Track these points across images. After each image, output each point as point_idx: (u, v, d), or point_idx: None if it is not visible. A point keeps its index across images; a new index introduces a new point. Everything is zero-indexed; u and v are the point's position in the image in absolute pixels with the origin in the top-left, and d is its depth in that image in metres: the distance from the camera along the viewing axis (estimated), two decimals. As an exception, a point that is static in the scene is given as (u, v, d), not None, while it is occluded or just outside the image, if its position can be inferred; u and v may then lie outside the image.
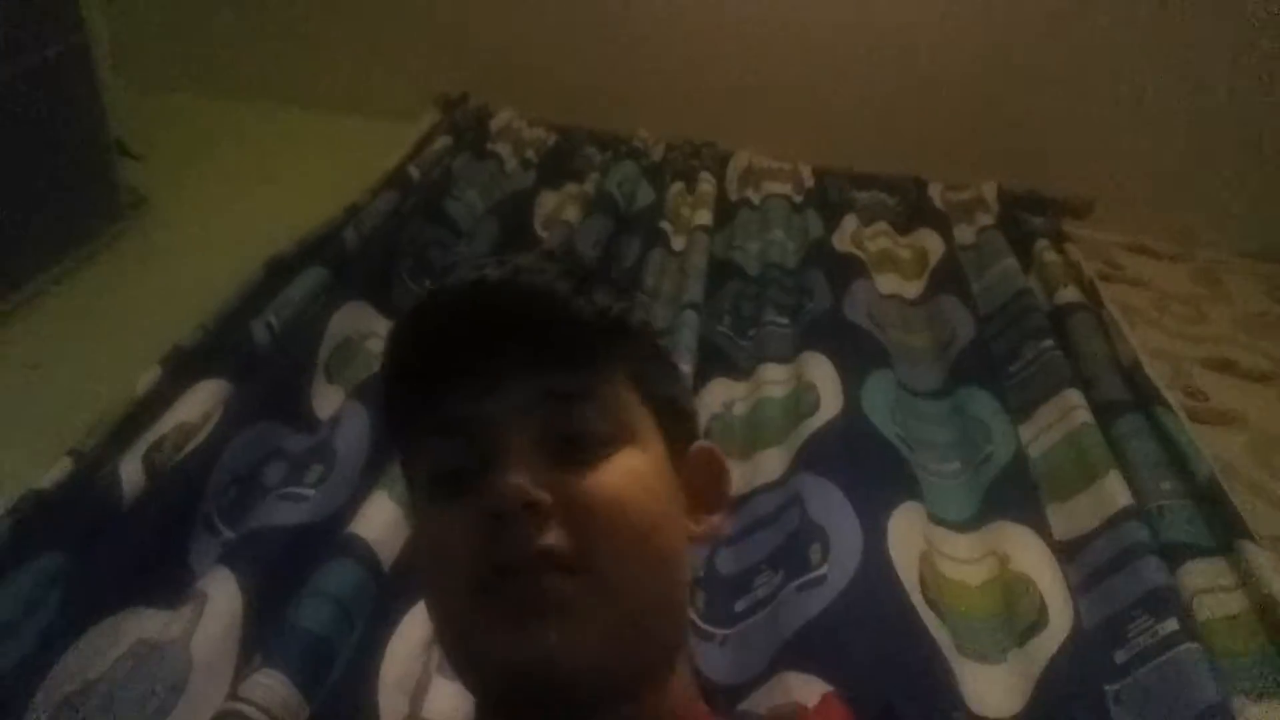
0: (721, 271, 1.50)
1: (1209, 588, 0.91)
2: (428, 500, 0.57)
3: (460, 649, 0.55)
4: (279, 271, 1.30)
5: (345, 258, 1.36)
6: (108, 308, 1.30)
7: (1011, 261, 1.52)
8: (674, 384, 0.68)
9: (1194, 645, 0.82)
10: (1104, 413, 1.17)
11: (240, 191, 1.59)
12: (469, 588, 0.52)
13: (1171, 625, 0.84)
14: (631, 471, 0.56)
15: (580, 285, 0.58)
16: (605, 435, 0.56)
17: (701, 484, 0.65)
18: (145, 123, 1.56)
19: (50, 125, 1.34)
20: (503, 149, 1.78)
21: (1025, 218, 1.69)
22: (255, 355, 1.15)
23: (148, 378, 1.07)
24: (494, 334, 0.55)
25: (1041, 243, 1.59)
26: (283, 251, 1.33)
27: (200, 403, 1.06)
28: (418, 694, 0.82)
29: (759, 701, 0.81)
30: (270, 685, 0.76)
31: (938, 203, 1.76)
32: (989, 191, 1.74)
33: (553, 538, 0.51)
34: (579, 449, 0.55)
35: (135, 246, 1.43)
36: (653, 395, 0.61)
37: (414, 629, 0.86)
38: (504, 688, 0.53)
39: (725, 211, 1.69)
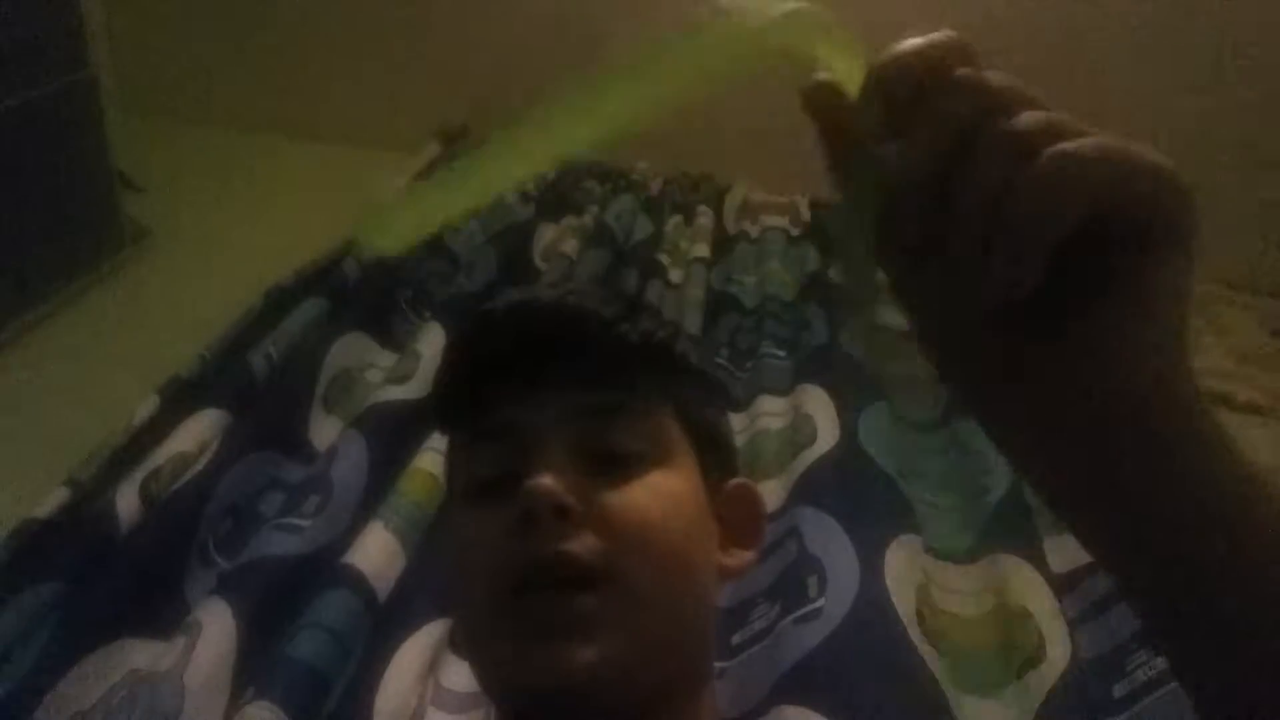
0: (719, 304, 1.51)
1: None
2: (463, 505, 0.59)
3: (485, 660, 0.56)
4: (278, 302, 1.31)
5: (344, 288, 1.37)
6: (107, 338, 1.30)
7: (1007, 294, 1.53)
8: (716, 416, 0.69)
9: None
10: (1100, 445, 1.17)
11: (242, 223, 1.60)
12: (496, 591, 0.53)
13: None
14: (663, 490, 0.57)
15: (627, 311, 0.61)
16: (640, 453, 0.57)
17: (736, 519, 0.65)
18: (147, 155, 1.58)
19: (53, 157, 1.35)
20: (502, 182, 1.79)
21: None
22: (253, 385, 1.16)
23: (145, 407, 1.07)
24: (541, 348, 0.58)
25: (1037, 276, 1.60)
26: (282, 282, 1.34)
27: (197, 432, 1.06)
28: (412, 726, 0.81)
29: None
30: (264, 717, 0.76)
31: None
32: (984, 225, 1.75)
33: (579, 545, 0.52)
34: (613, 464, 0.56)
35: (136, 277, 1.44)
36: (693, 424, 0.62)
37: (410, 660, 0.86)
38: (526, 703, 0.53)
39: (723, 244, 1.70)
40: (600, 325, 0.59)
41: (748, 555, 0.65)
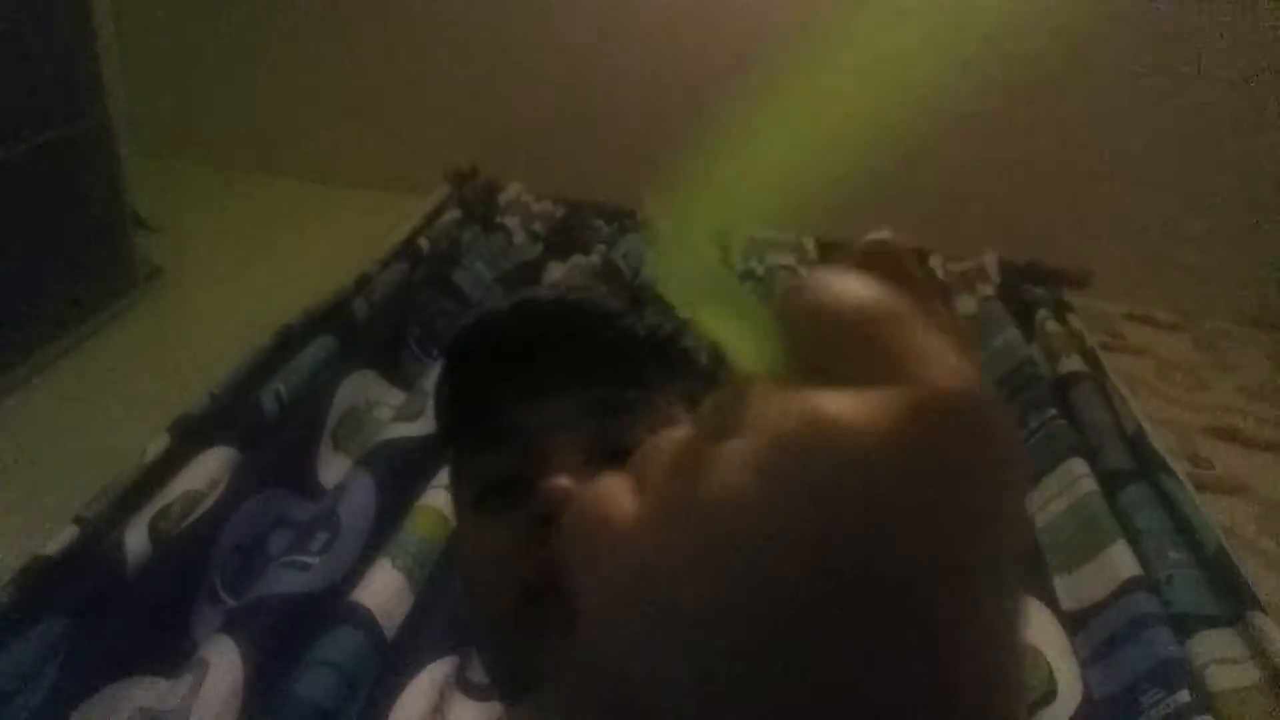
0: (726, 341, 1.51)
1: (1220, 659, 0.90)
2: (474, 511, 0.57)
3: (501, 661, 0.55)
4: (288, 341, 1.32)
5: (354, 327, 1.38)
6: (119, 376, 1.31)
7: (1014, 331, 1.53)
8: None
9: (1207, 718, 0.81)
10: (1109, 482, 1.17)
11: (254, 262, 1.62)
12: (511, 594, 0.51)
13: (1184, 697, 0.83)
14: None
15: (631, 304, 0.59)
16: None
17: None
18: (161, 195, 1.60)
19: (68, 197, 1.37)
20: (511, 222, 1.81)
21: (1026, 288, 1.71)
22: (263, 423, 1.16)
23: (155, 445, 1.08)
24: (545, 348, 0.56)
25: (1043, 313, 1.60)
26: (292, 321, 1.35)
27: (207, 470, 1.06)
28: (420, 765, 0.81)
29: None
30: (270, 756, 0.75)
31: (939, 273, 1.78)
32: (990, 262, 1.76)
33: None
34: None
35: (149, 316, 1.45)
36: None
37: (417, 699, 0.85)
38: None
39: (730, 282, 1.70)
40: (605, 321, 0.58)
41: None
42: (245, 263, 1.62)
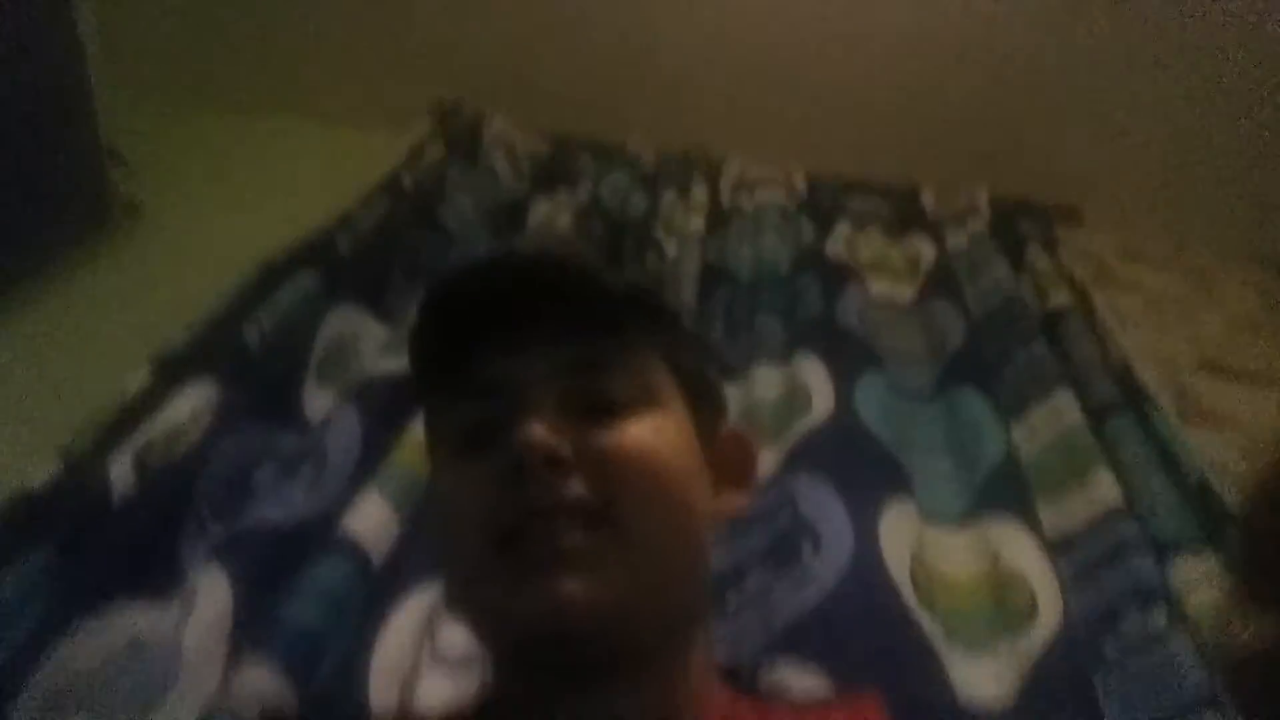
0: (714, 277, 1.51)
1: (1199, 580, 0.91)
2: (448, 459, 0.58)
3: (476, 602, 0.55)
4: (271, 275, 1.30)
5: (338, 262, 1.37)
6: (99, 313, 1.30)
7: (1003, 267, 1.53)
8: (704, 363, 0.68)
9: (1182, 636, 0.82)
10: (1095, 414, 1.17)
11: (234, 199, 1.60)
12: (487, 539, 0.52)
13: (1160, 618, 0.85)
14: (655, 430, 0.56)
15: (612, 259, 0.59)
16: (630, 400, 0.56)
17: (729, 464, 0.64)
18: (138, 131, 1.57)
19: (42, 133, 1.35)
20: (496, 157, 1.79)
21: (1017, 223, 1.70)
22: (246, 357, 1.15)
23: (137, 379, 1.07)
24: (524, 300, 0.56)
25: (1033, 248, 1.60)
26: (274, 256, 1.33)
27: (190, 404, 1.05)
28: (409, 685, 0.81)
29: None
30: (260, 679, 0.76)
31: (930, 209, 1.76)
32: (980, 198, 1.75)
33: (574, 491, 0.51)
34: (603, 411, 0.55)
35: (127, 253, 1.43)
36: (682, 371, 0.62)
37: (405, 623, 0.86)
38: (520, 643, 0.52)
39: (718, 219, 1.69)
40: (584, 275, 0.58)
41: (740, 497, 0.64)
42: (225, 199, 1.59)
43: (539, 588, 0.49)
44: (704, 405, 0.63)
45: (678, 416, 0.59)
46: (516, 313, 0.57)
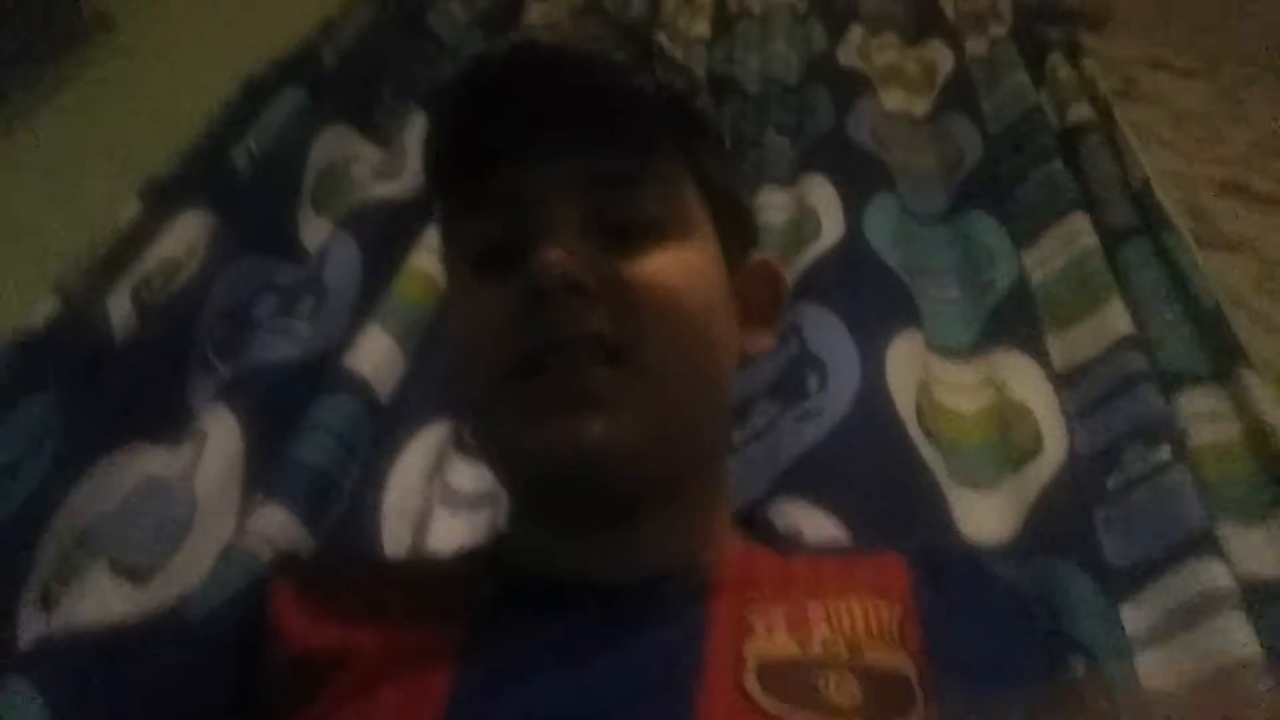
0: (719, 89, 1.43)
1: (1204, 415, 0.91)
2: (465, 279, 0.55)
3: (495, 437, 0.54)
4: (255, 93, 1.24)
5: (324, 77, 1.30)
6: (76, 137, 1.23)
7: (1024, 76, 1.45)
8: (735, 179, 0.64)
9: (1184, 471, 0.83)
10: (1110, 237, 1.14)
11: (209, 7, 1.49)
12: (504, 369, 0.50)
13: (1164, 452, 0.85)
14: (682, 261, 0.53)
15: (642, 58, 0.54)
16: (657, 223, 0.53)
17: (757, 297, 0.62)
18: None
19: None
20: (487, -47, 1.66)
21: (1040, 28, 1.60)
22: (237, 184, 1.11)
23: (127, 210, 1.03)
24: (543, 100, 0.52)
25: (1056, 56, 1.51)
26: (257, 71, 1.26)
27: (184, 236, 1.03)
28: (420, 524, 0.83)
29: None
30: (274, 518, 0.77)
31: (948, 11, 1.66)
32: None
33: (596, 323, 0.49)
34: (628, 235, 0.52)
35: (102, 71, 1.35)
36: (712, 188, 0.58)
37: (415, 461, 0.87)
38: (537, 481, 0.52)
39: (723, 22, 1.59)
40: (612, 74, 0.52)
41: (768, 337, 0.62)
42: (201, 8, 1.48)
43: (557, 426, 0.49)
44: (734, 230, 0.60)
45: (706, 244, 0.56)
46: (538, 116, 0.52)
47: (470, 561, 0.63)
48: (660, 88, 0.54)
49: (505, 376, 0.51)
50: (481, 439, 0.58)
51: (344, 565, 0.70)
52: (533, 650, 0.48)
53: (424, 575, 0.62)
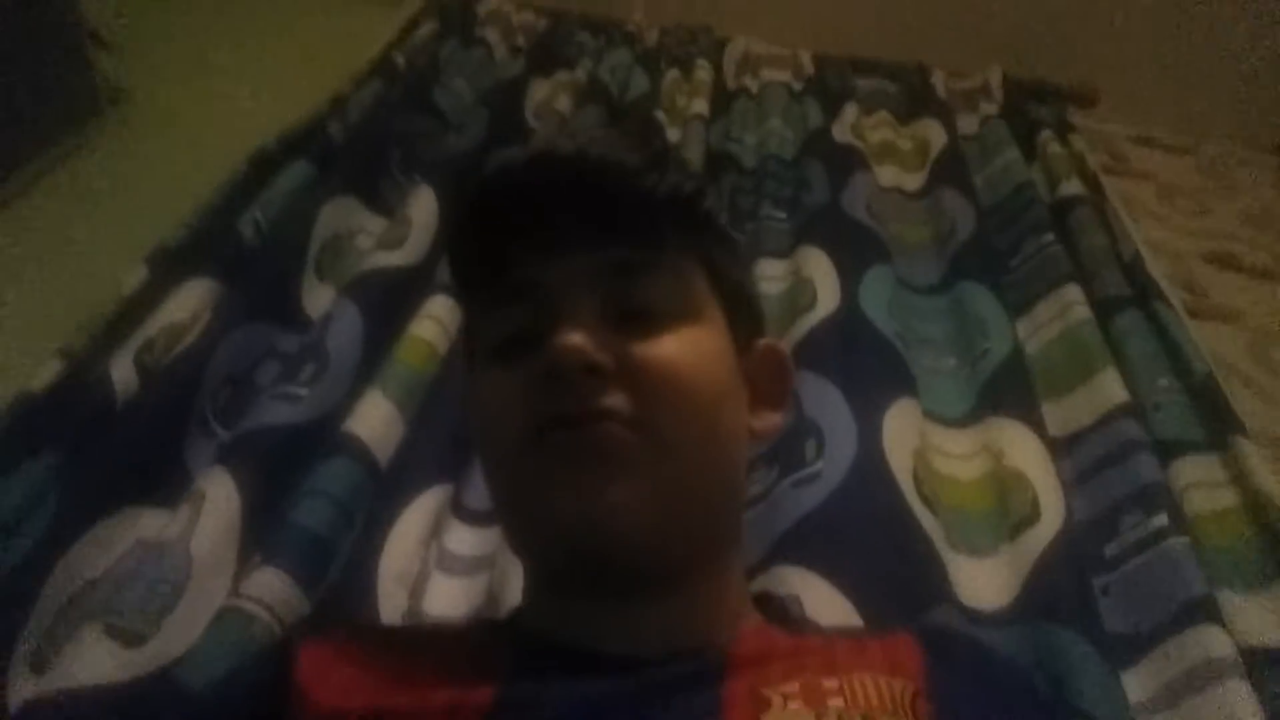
0: (717, 163, 1.47)
1: (1200, 483, 0.91)
2: (488, 367, 0.57)
3: (514, 504, 0.56)
4: (264, 166, 1.26)
5: (331, 151, 1.33)
6: (89, 206, 1.26)
7: (1015, 153, 1.49)
8: (743, 274, 0.67)
9: (1183, 539, 0.83)
10: (1103, 308, 1.16)
11: (221, 82, 1.54)
12: (525, 439, 0.52)
13: (1161, 520, 0.85)
14: (694, 344, 0.55)
15: (653, 161, 0.58)
16: (669, 310, 0.55)
17: (765, 380, 0.64)
18: (121, 12, 1.50)
19: (23, 16, 1.28)
20: (491, 35, 1.72)
21: (1030, 107, 1.65)
22: (243, 253, 1.13)
23: (134, 277, 1.05)
24: (562, 202, 0.55)
25: (1046, 133, 1.55)
26: (267, 145, 1.29)
27: (189, 302, 1.04)
28: (417, 589, 0.83)
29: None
30: (270, 582, 0.77)
31: (941, 91, 1.70)
32: (993, 79, 1.69)
33: (611, 399, 0.51)
34: (642, 320, 0.54)
35: (115, 141, 1.39)
36: (721, 282, 0.61)
37: (412, 526, 0.87)
38: (558, 543, 0.52)
39: (722, 100, 1.64)
40: (626, 177, 0.56)
41: (776, 417, 0.64)
42: (213, 82, 1.53)
43: (576, 486, 0.50)
44: (742, 317, 0.63)
45: (716, 328, 0.59)
46: (554, 214, 0.55)
47: (487, 630, 0.64)
48: (670, 189, 0.57)
49: (523, 442, 0.52)
50: (501, 507, 0.59)
51: (366, 630, 0.71)
52: (558, 718, 0.48)
53: (446, 640, 0.62)
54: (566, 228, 0.55)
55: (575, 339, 0.50)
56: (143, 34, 1.55)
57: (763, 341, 0.66)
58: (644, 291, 0.55)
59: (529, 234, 0.55)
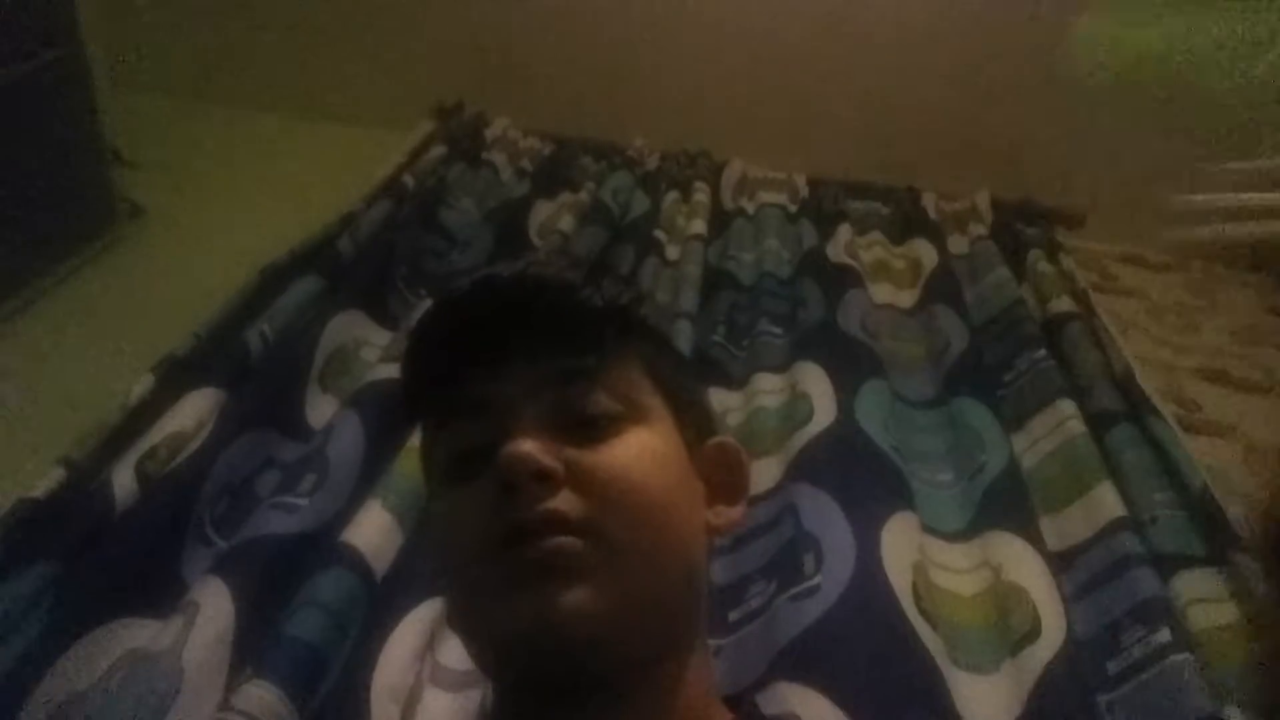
0: (716, 281, 1.51)
1: (1201, 598, 0.91)
2: (444, 484, 0.58)
3: (471, 617, 0.56)
4: (273, 280, 1.30)
5: (340, 266, 1.36)
6: (102, 317, 1.29)
7: (1005, 271, 1.53)
8: (686, 375, 0.70)
9: (1187, 655, 0.82)
10: (1097, 423, 1.17)
11: (237, 200, 1.59)
12: (481, 554, 0.53)
13: (1164, 635, 0.85)
14: (642, 446, 0.57)
15: (589, 276, 0.61)
16: (615, 413, 0.57)
17: (719, 478, 0.65)
18: (141, 131, 1.56)
19: (45, 133, 1.34)
20: (498, 158, 1.79)
21: (1019, 228, 1.70)
22: (249, 364, 1.15)
23: (140, 386, 1.07)
24: (507, 321, 0.58)
25: (1035, 253, 1.59)
26: (277, 260, 1.33)
27: (193, 411, 1.05)
28: (410, 704, 0.81)
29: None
30: (262, 695, 0.75)
31: (931, 213, 1.76)
32: (982, 201, 1.75)
33: (563, 503, 0.52)
34: (589, 426, 0.56)
35: (130, 256, 1.43)
36: (665, 383, 0.63)
37: (407, 638, 0.86)
38: (517, 654, 0.53)
39: (720, 221, 1.69)
40: (563, 293, 0.59)
41: (734, 512, 0.65)
42: (229, 201, 1.59)
43: (531, 597, 0.50)
44: (690, 417, 0.64)
45: (664, 429, 0.60)
46: (499, 334, 0.58)
47: None
48: (607, 299, 0.60)
49: (480, 557, 0.53)
50: (462, 620, 0.59)
51: None
52: None
53: None
54: (512, 344, 0.58)
55: (524, 447, 0.52)
56: (161, 151, 1.62)
57: (714, 439, 0.67)
58: (589, 398, 0.57)
59: (477, 353, 0.58)
